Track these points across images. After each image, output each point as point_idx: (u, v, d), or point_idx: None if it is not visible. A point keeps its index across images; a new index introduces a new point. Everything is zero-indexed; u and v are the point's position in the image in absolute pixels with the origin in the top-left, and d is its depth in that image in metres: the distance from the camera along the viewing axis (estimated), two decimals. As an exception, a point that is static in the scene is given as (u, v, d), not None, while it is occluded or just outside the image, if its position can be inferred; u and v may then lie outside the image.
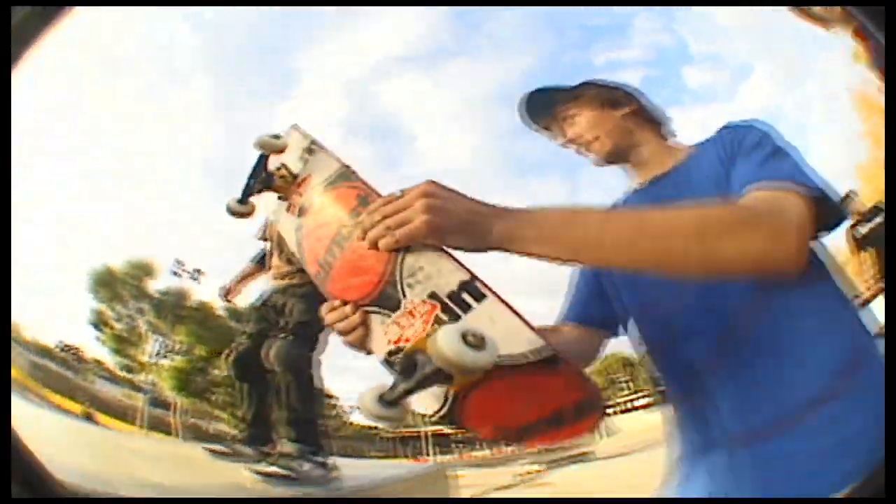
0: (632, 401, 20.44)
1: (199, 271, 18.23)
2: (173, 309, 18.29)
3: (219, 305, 18.41)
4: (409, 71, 27.04)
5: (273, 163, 1.92)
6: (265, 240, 5.20)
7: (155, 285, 18.54)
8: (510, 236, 1.30)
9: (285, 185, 1.87)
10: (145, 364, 17.93)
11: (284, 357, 4.15)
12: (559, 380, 1.35)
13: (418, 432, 21.47)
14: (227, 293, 6.06)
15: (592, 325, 2.07)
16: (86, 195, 22.26)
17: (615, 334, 2.08)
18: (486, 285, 1.33)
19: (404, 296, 1.43)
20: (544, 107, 2.20)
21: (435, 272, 1.37)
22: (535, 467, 13.68)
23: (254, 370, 4.52)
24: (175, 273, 18.18)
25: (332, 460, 4.47)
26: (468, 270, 1.35)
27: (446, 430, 17.84)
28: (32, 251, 19.41)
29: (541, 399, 1.40)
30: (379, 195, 1.51)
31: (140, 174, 24.41)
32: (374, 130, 30.78)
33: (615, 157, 2.09)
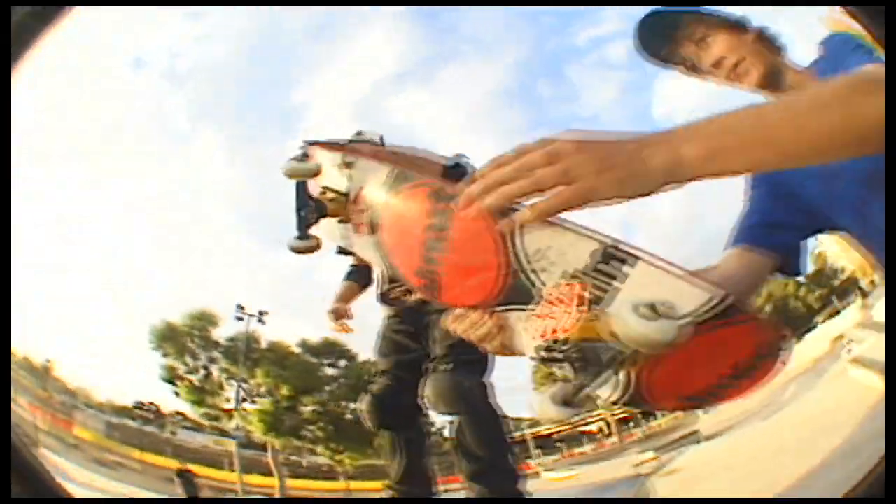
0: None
1: (262, 312, 18.08)
2: (246, 353, 18.09)
3: (292, 343, 18.77)
4: (407, 85, 27.02)
5: (313, 187, 1.73)
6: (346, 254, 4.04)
7: (221, 333, 18.47)
8: (677, 162, 1.14)
9: (340, 207, 1.69)
10: (229, 411, 17.89)
11: (451, 392, 3.24)
12: (736, 330, 1.22)
13: (522, 436, 21.25)
14: (338, 316, 5.07)
15: (766, 245, 1.98)
16: (129, 252, 22.96)
17: (785, 266, 2.00)
18: (628, 246, 1.17)
19: (535, 284, 1.25)
20: (664, 34, 2.07)
21: (566, 246, 1.18)
22: (650, 455, 13.09)
23: (403, 414, 3.65)
24: (239, 318, 17.98)
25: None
26: (603, 234, 1.17)
27: (545, 431, 18.21)
28: (91, 316, 20.20)
29: (721, 356, 1.29)
30: (450, 184, 1.33)
31: (173, 226, 25.02)
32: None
33: (768, 81, 1.98)
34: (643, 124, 26.12)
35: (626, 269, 1.13)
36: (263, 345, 18.39)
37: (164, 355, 17.64)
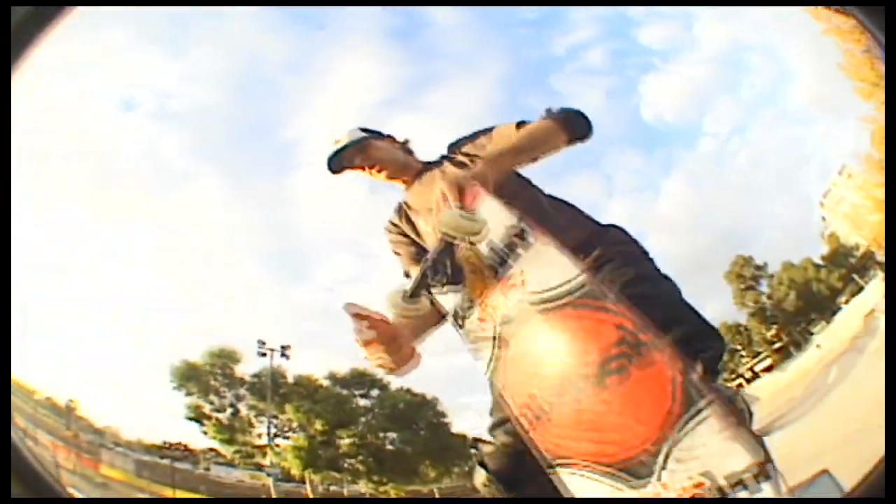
0: (754, 367, 19.68)
1: (285, 347, 18.16)
2: (273, 389, 18.05)
3: (320, 376, 18.83)
4: (394, 110, 27.37)
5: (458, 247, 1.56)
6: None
7: (244, 369, 18.46)
8: None
9: (479, 283, 1.50)
10: (262, 447, 17.79)
11: None
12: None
13: None
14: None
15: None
16: (145, 292, 23.38)
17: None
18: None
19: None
20: None
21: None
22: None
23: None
24: (262, 354, 18.06)
25: None
26: None
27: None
28: (113, 356, 20.29)
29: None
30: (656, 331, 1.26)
31: (185, 265, 25.56)
32: None
33: None
34: (636, 128, 26.94)
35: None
36: (290, 379, 18.45)
37: (188, 394, 17.74)
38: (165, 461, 17.13)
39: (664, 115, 28.75)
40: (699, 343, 1.68)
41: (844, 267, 19.01)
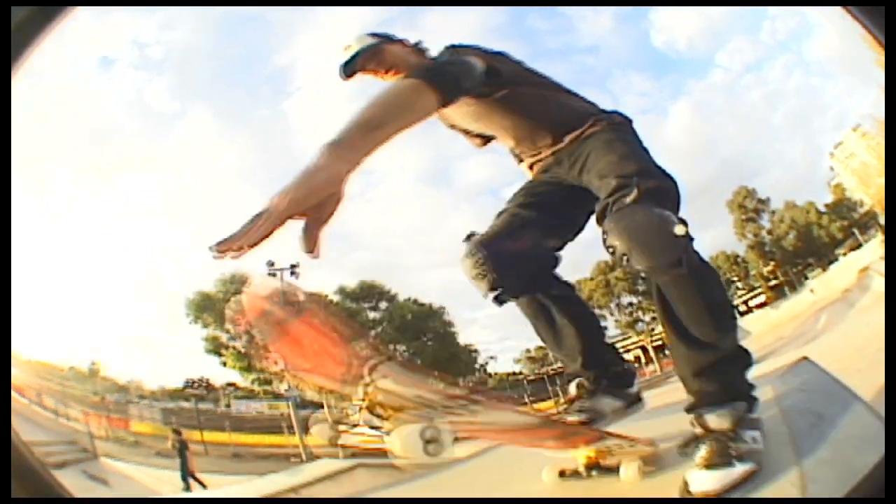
0: (749, 301, 19.87)
1: (294, 265, 18.12)
2: None
3: (329, 291, 19.09)
4: (393, 30, 26.34)
5: None
6: None
7: None
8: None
9: None
10: (279, 373, 17.69)
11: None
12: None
13: (546, 372, 21.37)
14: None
15: None
16: (146, 238, 23.45)
17: None
18: None
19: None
20: None
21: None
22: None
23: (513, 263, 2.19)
24: (271, 275, 17.89)
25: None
26: None
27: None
28: (124, 309, 20.44)
29: None
30: None
31: (184, 202, 25.47)
32: None
33: None
34: (645, 52, 25.94)
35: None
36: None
37: (205, 326, 17.92)
38: (189, 404, 17.54)
39: (675, 43, 27.83)
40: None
41: (846, 219, 18.96)
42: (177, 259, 24.45)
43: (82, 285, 19.91)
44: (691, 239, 1.85)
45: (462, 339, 19.89)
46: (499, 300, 2.34)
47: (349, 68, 2.55)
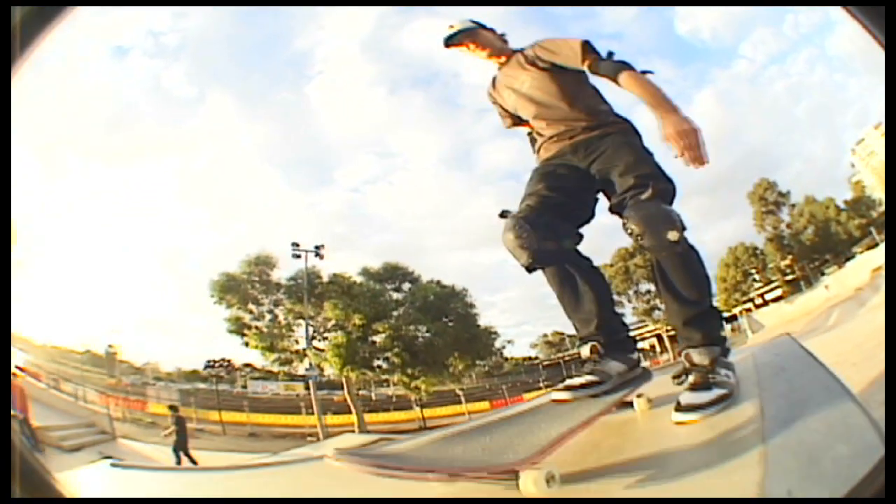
0: (765, 294, 19.82)
1: (319, 247, 18.30)
2: (310, 290, 18.15)
3: (353, 272, 19.09)
4: (415, 14, 26.12)
5: None
6: None
7: (280, 274, 18.47)
8: None
9: None
10: (300, 352, 17.90)
11: (665, 217, 2.71)
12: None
13: (561, 358, 21.41)
14: None
15: None
16: (170, 220, 23.83)
17: None
18: None
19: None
20: None
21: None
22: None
23: (550, 232, 3.00)
24: (296, 255, 18.13)
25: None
26: None
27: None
28: (145, 291, 20.98)
29: None
30: None
31: (214, 184, 25.59)
32: (415, 79, 30.23)
33: None
34: (669, 42, 25.60)
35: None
36: (325, 279, 18.57)
37: (228, 307, 17.70)
38: (205, 385, 17.78)
39: (700, 33, 27.37)
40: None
41: (865, 217, 18.82)
42: (196, 241, 24.57)
43: (99, 269, 20.15)
44: (685, 228, 2.48)
45: (482, 322, 19.75)
46: (532, 269, 2.72)
47: (451, 41, 3.22)
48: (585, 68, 2.85)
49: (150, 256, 22.21)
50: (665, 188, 2.60)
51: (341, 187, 26.44)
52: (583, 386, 2.59)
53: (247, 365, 18.95)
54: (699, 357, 2.52)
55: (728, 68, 25.98)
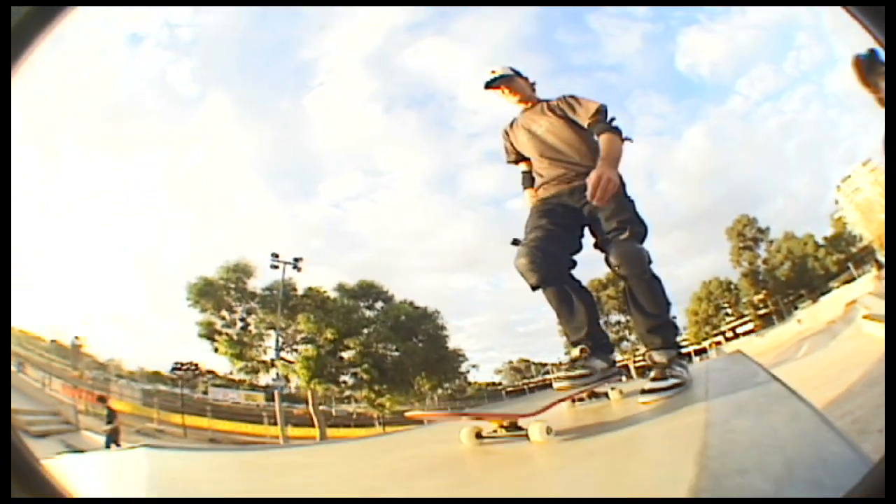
0: (736, 328, 20.07)
1: (297, 259, 18.28)
2: (284, 301, 18.17)
3: (328, 287, 19.07)
4: (421, 35, 26.31)
5: None
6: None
7: (257, 284, 18.51)
8: None
9: None
10: (267, 363, 17.95)
11: (635, 256, 3.48)
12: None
13: (544, 381, 21.43)
14: None
15: None
16: (151, 218, 23.43)
17: None
18: None
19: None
20: None
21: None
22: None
23: (554, 262, 3.79)
24: (274, 266, 18.15)
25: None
26: None
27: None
28: (116, 288, 20.54)
29: None
30: None
31: (199, 186, 25.36)
32: (411, 99, 30.34)
33: None
34: (667, 75, 25.80)
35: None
36: (300, 291, 18.62)
37: (202, 311, 17.66)
38: (166, 388, 17.49)
39: (699, 67, 27.76)
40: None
41: (843, 253, 19.12)
42: (171, 242, 24.29)
43: (71, 260, 19.85)
44: (651, 262, 3.30)
45: (451, 345, 19.98)
46: (537, 288, 3.34)
47: (491, 84, 3.79)
48: (587, 125, 3.48)
49: (123, 253, 21.80)
50: (639, 231, 3.34)
51: (323, 201, 26.30)
52: (578, 377, 3.27)
53: (209, 371, 18.70)
54: (659, 356, 3.25)
55: (723, 104, 26.28)
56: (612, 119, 3.46)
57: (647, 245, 3.39)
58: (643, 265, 3.30)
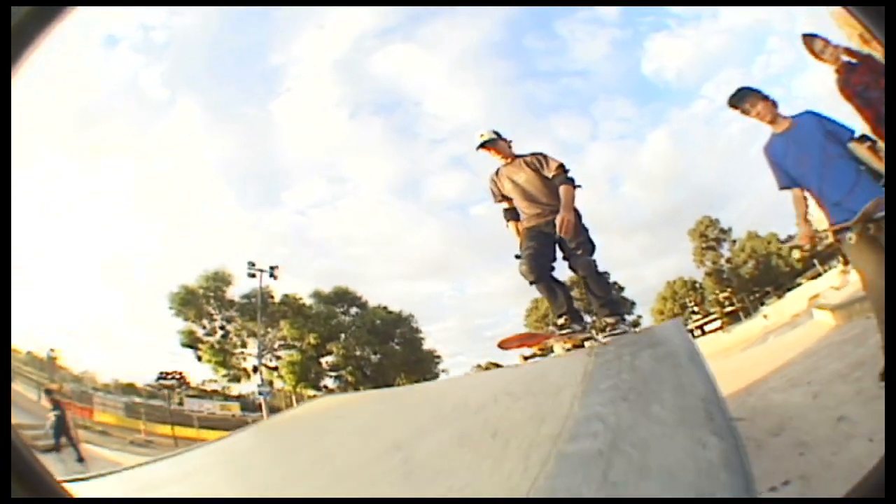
0: (704, 325, 20.19)
1: (274, 267, 17.75)
2: (263, 309, 18.09)
3: (303, 294, 19.10)
4: (390, 41, 25.97)
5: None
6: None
7: (235, 292, 18.39)
8: None
9: None
10: (247, 370, 18.01)
11: (590, 265, 5.24)
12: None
13: None
14: None
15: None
16: (121, 228, 22.33)
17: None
18: None
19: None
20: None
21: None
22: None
23: (543, 265, 5.47)
24: (251, 275, 17.62)
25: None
26: None
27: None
28: (91, 298, 19.83)
29: None
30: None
31: (171, 196, 24.43)
32: (377, 105, 30.04)
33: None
34: (633, 79, 25.25)
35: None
36: (277, 299, 18.57)
37: (185, 320, 17.60)
38: (140, 399, 17.02)
39: (665, 72, 27.75)
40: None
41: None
42: (138, 251, 23.63)
43: (44, 269, 19.28)
44: (597, 265, 5.14)
45: (426, 346, 20.19)
46: (534, 283, 5.07)
47: (483, 146, 5.44)
48: (552, 177, 5.18)
49: (91, 261, 21.10)
50: (590, 248, 5.09)
51: (288, 209, 25.72)
52: (567, 333, 5.14)
53: (182, 382, 18.42)
54: (609, 319, 5.15)
55: (687, 108, 26.08)
56: (568, 171, 5.20)
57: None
58: (593, 269, 5.14)
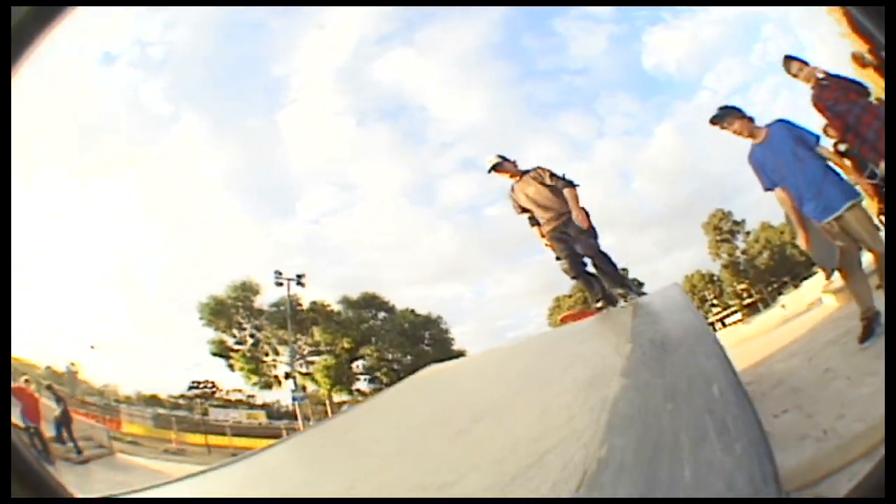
0: (724, 318, 19.88)
1: (301, 276, 18.11)
2: (293, 317, 18.30)
3: (331, 301, 19.36)
4: (390, 46, 25.74)
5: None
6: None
7: (263, 301, 18.60)
8: None
9: None
10: (277, 377, 18.25)
11: (595, 247, 6.38)
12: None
13: None
14: None
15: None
16: (133, 244, 22.48)
17: None
18: None
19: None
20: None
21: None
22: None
23: (580, 263, 6.63)
24: (279, 283, 17.97)
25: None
26: None
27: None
28: (111, 312, 19.81)
29: None
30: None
31: (187, 212, 24.43)
32: (383, 112, 29.82)
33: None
34: (635, 74, 24.62)
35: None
36: (305, 306, 18.89)
37: (216, 330, 17.88)
38: (164, 411, 17.06)
39: (665, 66, 27.46)
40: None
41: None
42: (156, 264, 23.70)
43: (55, 285, 19.37)
44: (601, 247, 6.57)
45: (456, 347, 20.25)
46: (574, 277, 6.54)
47: (494, 169, 6.63)
48: (552, 185, 6.38)
49: (107, 275, 21.19)
50: (596, 234, 6.33)
51: (302, 219, 25.70)
52: (606, 304, 6.47)
53: (206, 393, 18.52)
54: (619, 291, 6.49)
55: (691, 100, 25.83)
56: (564, 175, 6.46)
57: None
58: (597, 249, 6.36)
